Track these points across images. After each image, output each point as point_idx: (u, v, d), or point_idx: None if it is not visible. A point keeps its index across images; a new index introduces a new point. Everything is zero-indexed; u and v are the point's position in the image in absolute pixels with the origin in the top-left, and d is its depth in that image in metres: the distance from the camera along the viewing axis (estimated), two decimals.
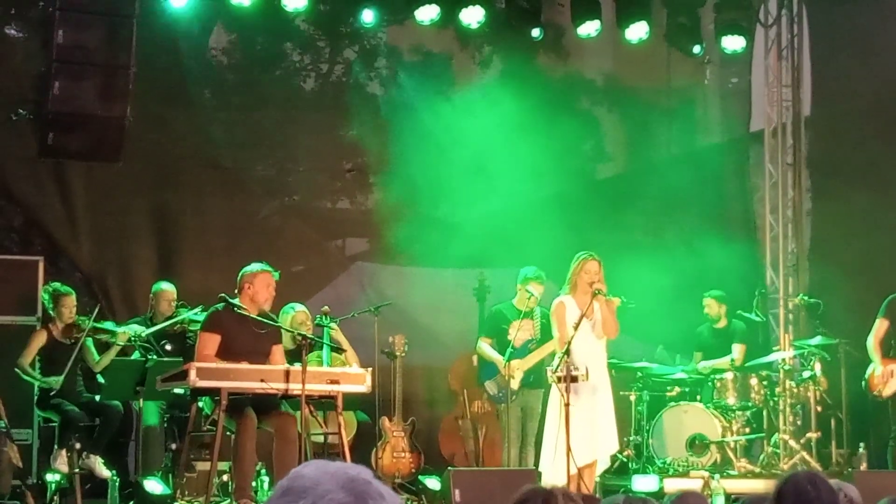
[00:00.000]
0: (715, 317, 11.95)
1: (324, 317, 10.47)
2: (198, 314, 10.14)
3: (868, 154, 12.92)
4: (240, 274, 9.04)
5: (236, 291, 8.98)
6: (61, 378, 9.99)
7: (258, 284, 8.92)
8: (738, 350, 11.76)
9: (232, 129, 13.39)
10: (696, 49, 13.17)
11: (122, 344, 10.35)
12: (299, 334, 9.22)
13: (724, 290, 12.09)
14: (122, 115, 10.32)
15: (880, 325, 10.88)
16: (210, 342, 8.79)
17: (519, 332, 10.47)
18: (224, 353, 8.75)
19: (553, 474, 9.07)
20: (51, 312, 10.34)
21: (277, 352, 9.09)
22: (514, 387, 10.43)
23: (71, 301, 10.33)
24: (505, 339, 10.52)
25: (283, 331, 9.62)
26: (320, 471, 2.01)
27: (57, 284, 10.53)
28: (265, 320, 8.98)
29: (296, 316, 10.51)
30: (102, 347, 10.39)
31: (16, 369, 10.10)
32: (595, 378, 9.34)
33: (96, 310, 10.54)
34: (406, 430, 11.21)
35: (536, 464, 9.90)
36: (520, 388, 10.50)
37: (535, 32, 12.59)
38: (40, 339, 10.26)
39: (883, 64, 12.94)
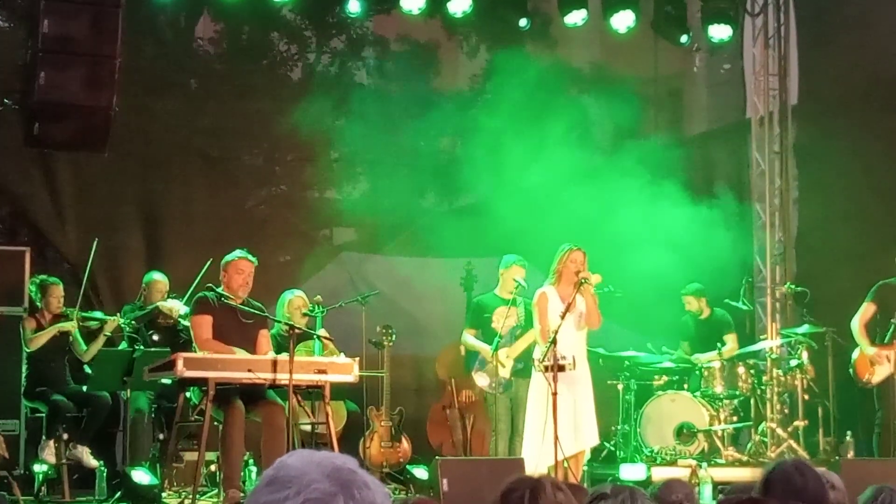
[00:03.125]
0: (697, 311, 11.97)
1: (316, 306, 10.46)
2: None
3: (855, 143, 12.93)
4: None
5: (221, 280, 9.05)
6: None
7: (230, 271, 9.01)
8: (731, 339, 11.78)
9: (219, 119, 13.35)
10: (684, 39, 13.17)
11: (110, 334, 10.34)
12: (286, 324, 9.21)
13: (711, 278, 12.09)
14: (109, 105, 10.25)
15: (867, 309, 10.91)
16: (205, 324, 8.85)
17: (506, 320, 10.43)
18: (214, 337, 8.79)
19: (537, 463, 9.06)
20: (38, 304, 10.31)
21: (263, 337, 9.12)
22: (505, 375, 10.39)
23: (59, 291, 10.32)
24: (488, 329, 10.47)
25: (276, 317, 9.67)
26: (305, 460, 2.01)
27: (44, 276, 10.53)
28: (251, 310, 9.00)
29: (293, 301, 10.49)
30: (90, 338, 10.38)
31: (27, 350, 10.12)
32: (576, 369, 9.33)
33: (80, 298, 10.54)
34: (394, 419, 11.21)
35: None
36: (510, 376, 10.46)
37: (523, 22, 12.59)
38: (32, 324, 10.25)
39: (869, 53, 12.94)
